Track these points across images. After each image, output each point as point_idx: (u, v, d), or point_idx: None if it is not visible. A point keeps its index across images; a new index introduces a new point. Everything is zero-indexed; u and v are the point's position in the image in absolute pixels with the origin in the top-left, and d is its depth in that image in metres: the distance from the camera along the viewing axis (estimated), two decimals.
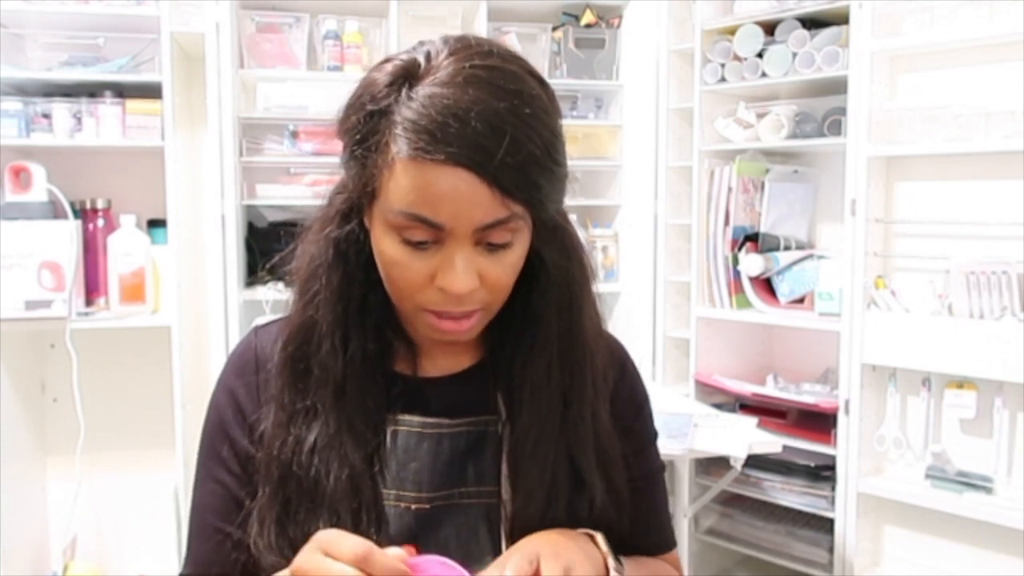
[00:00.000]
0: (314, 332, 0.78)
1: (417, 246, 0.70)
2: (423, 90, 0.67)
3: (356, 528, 0.73)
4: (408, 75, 0.69)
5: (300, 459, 0.76)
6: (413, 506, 0.77)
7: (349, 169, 0.74)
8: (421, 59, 0.70)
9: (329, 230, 0.78)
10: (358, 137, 0.71)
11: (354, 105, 0.73)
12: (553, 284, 0.78)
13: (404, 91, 0.68)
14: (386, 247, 0.71)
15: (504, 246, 0.71)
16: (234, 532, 0.79)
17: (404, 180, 0.67)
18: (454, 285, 0.69)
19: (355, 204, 0.76)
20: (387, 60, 0.72)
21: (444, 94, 0.66)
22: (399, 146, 0.67)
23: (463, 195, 0.66)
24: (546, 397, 0.79)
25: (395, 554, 0.64)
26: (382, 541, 0.71)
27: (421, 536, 0.76)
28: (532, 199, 0.69)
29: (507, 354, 0.80)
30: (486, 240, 0.70)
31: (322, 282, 0.77)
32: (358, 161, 0.72)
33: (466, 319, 0.73)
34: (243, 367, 0.83)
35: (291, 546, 0.74)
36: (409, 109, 0.67)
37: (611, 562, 0.75)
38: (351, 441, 0.76)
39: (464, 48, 0.69)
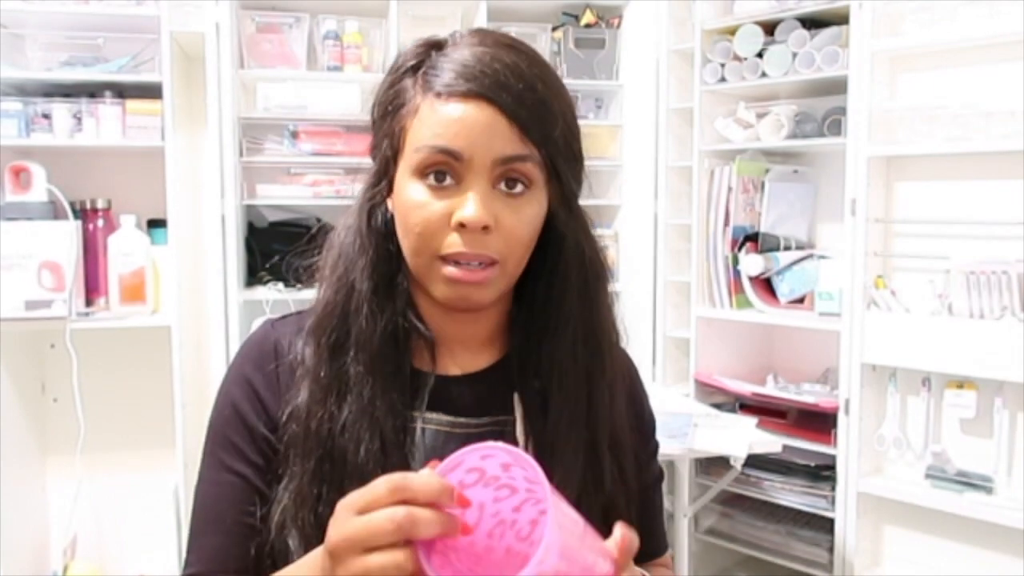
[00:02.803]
0: (351, 301, 0.79)
1: (437, 185, 0.73)
2: (452, 51, 0.75)
3: None
4: (437, 44, 0.77)
5: (335, 434, 0.76)
6: None
7: (379, 136, 0.79)
8: (448, 36, 0.78)
9: (361, 204, 0.81)
10: (390, 95, 0.77)
11: (387, 75, 0.79)
12: (574, 264, 0.81)
13: (434, 52, 0.76)
14: (408, 192, 0.75)
15: (520, 194, 0.75)
16: (256, 522, 0.78)
17: (428, 117, 0.73)
18: (470, 215, 0.72)
19: (383, 171, 0.79)
20: (412, 42, 0.80)
21: (470, 50, 0.74)
22: (428, 88, 0.74)
23: (483, 125, 0.72)
24: (573, 378, 0.80)
25: (425, 473, 0.62)
26: None
27: None
28: (545, 144, 0.74)
29: (530, 348, 0.81)
30: (503, 179, 0.74)
31: (358, 253, 0.80)
32: (389, 117, 0.77)
33: (481, 271, 0.74)
34: (261, 357, 0.83)
35: (321, 527, 0.73)
36: (439, 61, 0.75)
37: None
38: (383, 410, 0.76)
39: (484, 30, 0.78)
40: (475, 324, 0.83)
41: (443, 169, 0.73)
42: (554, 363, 0.80)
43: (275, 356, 0.82)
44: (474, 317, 0.82)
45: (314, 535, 0.73)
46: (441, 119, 0.72)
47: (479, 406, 0.81)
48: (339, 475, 0.75)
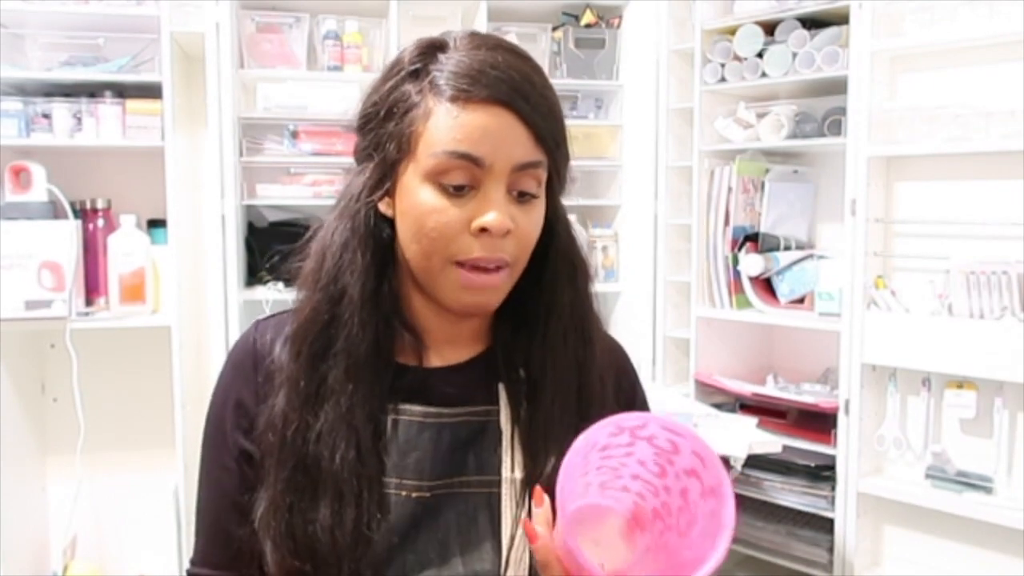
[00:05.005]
0: (341, 307, 0.78)
1: (455, 192, 0.73)
2: (455, 54, 0.75)
3: (358, 510, 0.75)
4: (438, 46, 0.77)
5: (309, 443, 0.76)
6: (414, 494, 0.78)
7: (378, 138, 0.77)
8: (446, 38, 0.78)
9: (356, 207, 0.79)
10: (394, 97, 0.76)
11: (386, 77, 0.78)
12: (563, 258, 0.82)
13: (438, 55, 0.76)
14: (423, 197, 0.74)
15: (532, 197, 0.76)
16: (234, 531, 0.80)
17: (447, 121, 0.72)
18: (494, 220, 0.72)
19: (384, 173, 0.77)
20: (410, 44, 0.79)
21: (477, 53, 0.74)
22: (440, 92, 0.73)
23: (503, 131, 0.72)
24: (564, 366, 0.81)
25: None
26: (383, 526, 0.74)
27: (422, 522, 0.78)
28: (555, 150, 0.76)
29: (517, 340, 0.83)
30: (517, 187, 0.75)
31: (352, 257, 0.78)
32: (394, 121, 0.76)
33: (495, 272, 0.75)
34: (241, 364, 0.84)
35: (292, 537, 0.75)
36: (447, 64, 0.74)
37: None
38: (361, 418, 0.77)
39: (481, 33, 0.79)
40: (465, 321, 0.84)
41: (462, 174, 0.73)
42: (546, 352, 0.81)
43: (254, 364, 0.83)
44: (467, 316, 0.82)
45: (284, 544, 0.75)
46: (462, 125, 0.72)
47: (459, 396, 0.82)
48: (312, 484, 0.76)
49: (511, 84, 0.72)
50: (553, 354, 0.81)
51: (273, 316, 0.87)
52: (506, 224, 0.73)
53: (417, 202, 0.74)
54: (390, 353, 0.80)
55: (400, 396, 0.80)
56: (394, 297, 0.80)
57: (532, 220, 0.77)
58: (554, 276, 0.82)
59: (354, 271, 0.78)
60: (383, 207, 0.79)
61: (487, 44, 0.75)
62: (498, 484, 0.79)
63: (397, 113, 0.76)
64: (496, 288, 0.77)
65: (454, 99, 0.72)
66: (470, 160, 0.72)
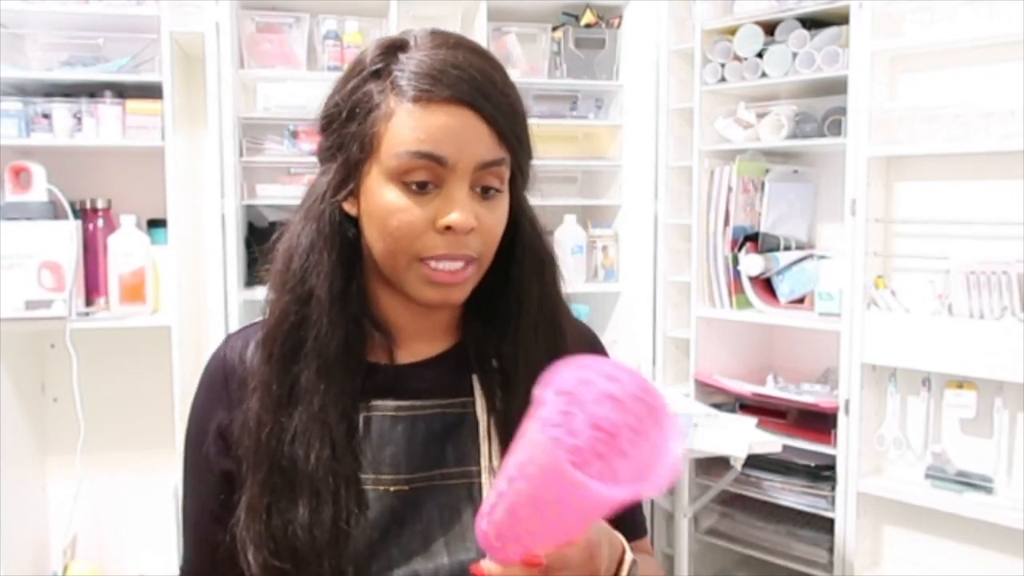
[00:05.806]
0: (309, 308, 0.78)
1: (418, 190, 0.74)
2: (417, 53, 0.75)
3: (336, 508, 0.75)
4: (399, 46, 0.77)
5: (284, 445, 0.77)
6: (392, 488, 0.79)
7: (341, 138, 0.78)
8: (407, 37, 0.79)
9: (320, 208, 0.79)
10: (356, 99, 0.76)
11: (347, 77, 0.79)
12: (530, 250, 0.83)
13: (399, 55, 0.76)
14: (386, 197, 0.75)
15: (496, 193, 0.77)
16: (217, 539, 0.81)
17: (409, 122, 0.73)
18: (458, 219, 0.73)
19: (348, 174, 0.78)
20: (370, 44, 0.80)
21: (438, 52, 0.75)
22: (401, 93, 0.74)
23: (466, 130, 0.73)
24: (536, 356, 0.82)
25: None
26: (361, 522, 0.75)
27: (404, 516, 0.78)
28: (517, 148, 0.77)
29: (488, 333, 0.84)
30: (480, 184, 0.75)
31: (318, 257, 0.79)
32: (356, 121, 0.76)
33: (462, 271, 0.76)
34: (213, 380, 0.85)
35: (272, 537, 0.75)
36: (408, 64, 0.75)
37: (628, 555, 0.76)
38: (335, 416, 0.77)
39: (442, 32, 0.79)
40: (434, 315, 0.84)
41: (425, 173, 0.73)
42: (518, 347, 0.82)
43: (228, 373, 0.84)
44: (435, 309, 0.83)
45: (264, 545, 0.75)
46: (424, 125, 0.73)
47: (431, 390, 0.82)
48: (289, 484, 0.77)
49: (472, 83, 0.73)
50: (525, 348, 0.82)
51: (244, 328, 0.88)
52: (470, 222, 0.74)
53: (381, 202, 0.75)
54: (360, 352, 0.81)
55: (372, 394, 0.81)
56: (362, 295, 0.81)
57: (496, 216, 0.78)
58: (521, 271, 0.83)
59: (320, 272, 0.78)
60: (348, 206, 0.79)
61: (448, 43, 0.76)
62: (478, 474, 0.80)
63: (360, 114, 0.76)
64: (462, 283, 0.78)
65: (416, 99, 0.73)
66: (433, 160, 0.73)
